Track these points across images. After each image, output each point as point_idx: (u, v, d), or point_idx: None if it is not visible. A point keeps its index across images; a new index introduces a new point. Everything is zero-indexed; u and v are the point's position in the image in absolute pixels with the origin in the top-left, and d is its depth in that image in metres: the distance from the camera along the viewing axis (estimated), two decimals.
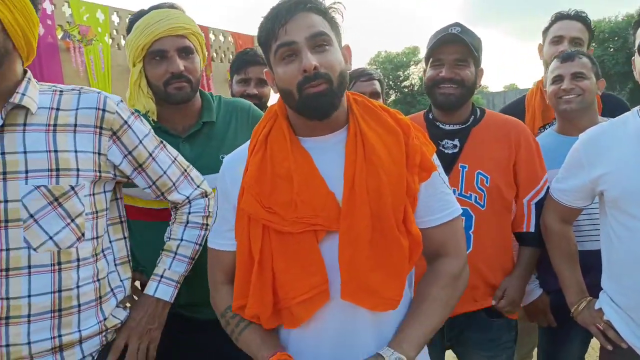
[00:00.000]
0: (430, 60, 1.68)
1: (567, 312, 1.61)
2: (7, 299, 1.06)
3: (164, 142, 1.38)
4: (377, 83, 2.24)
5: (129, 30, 1.56)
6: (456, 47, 1.61)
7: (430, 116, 1.77)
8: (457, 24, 1.67)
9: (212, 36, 12.01)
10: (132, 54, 1.51)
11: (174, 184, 1.37)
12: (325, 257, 1.04)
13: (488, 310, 1.66)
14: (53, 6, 8.55)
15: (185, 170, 1.40)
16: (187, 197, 1.40)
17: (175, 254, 1.38)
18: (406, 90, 40.90)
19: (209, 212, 1.41)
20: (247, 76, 2.20)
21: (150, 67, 1.51)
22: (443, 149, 1.66)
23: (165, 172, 1.35)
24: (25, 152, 1.09)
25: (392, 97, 37.28)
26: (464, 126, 1.70)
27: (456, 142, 1.67)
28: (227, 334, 1.20)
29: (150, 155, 1.31)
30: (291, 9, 1.03)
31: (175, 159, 1.39)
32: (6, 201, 1.06)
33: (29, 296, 1.08)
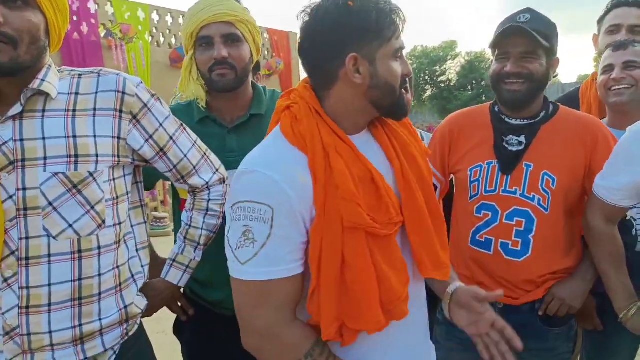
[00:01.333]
0: (496, 53, 1.57)
1: (613, 316, 1.51)
2: (28, 287, 1.05)
3: (184, 124, 1.35)
4: None
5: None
6: (522, 39, 1.47)
7: (497, 109, 1.65)
8: (527, 10, 1.53)
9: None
10: (185, 42, 1.53)
11: (194, 168, 1.33)
12: None
13: (546, 319, 1.55)
14: (97, 5, 8.83)
15: (205, 154, 1.37)
16: (207, 182, 1.37)
17: (198, 244, 1.37)
18: (442, 85, 40.17)
19: (226, 199, 1.36)
20: None
21: (198, 54, 1.51)
22: (506, 145, 1.55)
23: (185, 156, 1.31)
24: (44, 139, 1.06)
25: (429, 92, 36.72)
26: (532, 121, 1.57)
27: (522, 138, 1.55)
28: None
29: (171, 138, 1.27)
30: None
31: (195, 142, 1.35)
32: (25, 189, 1.04)
33: (49, 285, 1.06)
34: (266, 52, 12.52)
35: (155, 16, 10.49)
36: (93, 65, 1.37)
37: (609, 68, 1.72)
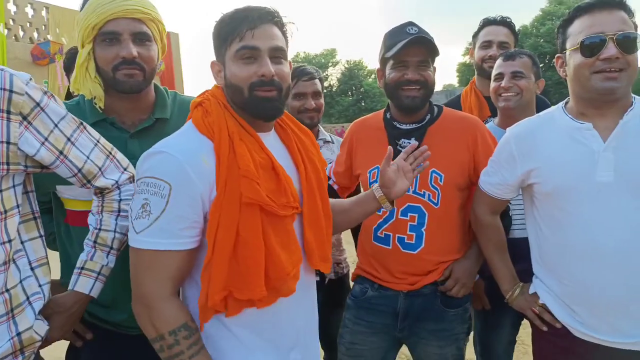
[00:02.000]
0: (391, 62, 1.65)
1: (498, 296, 1.70)
2: None
3: (84, 123, 1.24)
4: (318, 82, 2.23)
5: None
6: (420, 49, 1.60)
7: (388, 116, 1.77)
8: (412, 23, 1.65)
9: None
10: (82, 34, 1.36)
11: (100, 169, 1.23)
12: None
13: (444, 298, 1.67)
14: None
15: (110, 153, 1.27)
16: (116, 182, 1.26)
17: (111, 248, 1.26)
18: (325, 91, 41.48)
19: None
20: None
21: (100, 50, 1.36)
22: (400, 148, 1.63)
23: (88, 157, 1.21)
24: None
25: None
26: (420, 125, 1.69)
27: (413, 141, 1.67)
28: None
29: (69, 139, 1.16)
30: (261, 17, 1.14)
31: (98, 141, 1.25)
32: None
33: None
34: None
35: (11, 6, 9.32)
36: None
37: (499, 76, 1.94)
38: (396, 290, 1.68)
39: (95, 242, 1.24)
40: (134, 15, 1.34)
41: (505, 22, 2.34)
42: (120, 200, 1.26)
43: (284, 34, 1.21)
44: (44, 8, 9.86)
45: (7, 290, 1.03)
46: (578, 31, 1.35)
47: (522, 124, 1.56)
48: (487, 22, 2.36)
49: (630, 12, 1.33)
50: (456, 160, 1.64)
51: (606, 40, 1.29)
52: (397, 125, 1.71)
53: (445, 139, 1.66)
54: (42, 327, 1.11)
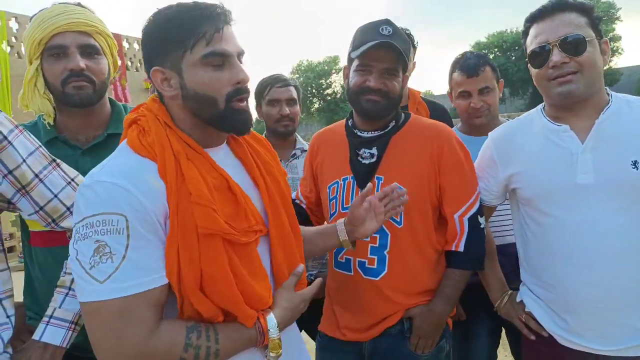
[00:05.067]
0: (356, 63, 1.49)
1: (474, 307, 1.68)
2: None
3: (58, 161, 1.22)
4: (293, 89, 2.21)
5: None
6: (388, 55, 1.43)
7: (350, 123, 1.62)
8: (388, 22, 1.47)
9: (125, 44, 11.41)
10: (29, 49, 1.35)
11: (68, 209, 1.19)
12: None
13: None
14: None
15: None
16: None
17: (69, 289, 1.19)
18: (329, 97, 41.59)
19: None
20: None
21: (48, 65, 1.35)
22: (361, 159, 1.51)
23: (56, 196, 1.17)
24: None
25: (316, 105, 37.77)
26: (382, 132, 1.53)
27: (374, 150, 1.51)
28: None
29: (37, 176, 1.14)
30: (226, 17, 1.01)
31: (72, 179, 1.22)
32: None
33: None
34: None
35: (13, 24, 9.44)
36: None
37: (466, 94, 1.91)
38: (359, 342, 1.51)
39: (69, 287, 1.21)
40: (80, 29, 1.34)
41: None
42: None
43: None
44: None
45: None
46: (529, 43, 1.36)
47: (502, 127, 1.54)
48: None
49: (581, 9, 1.30)
50: (419, 172, 1.48)
51: (550, 47, 1.28)
52: (359, 134, 1.56)
53: (409, 149, 1.50)
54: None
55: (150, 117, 1.03)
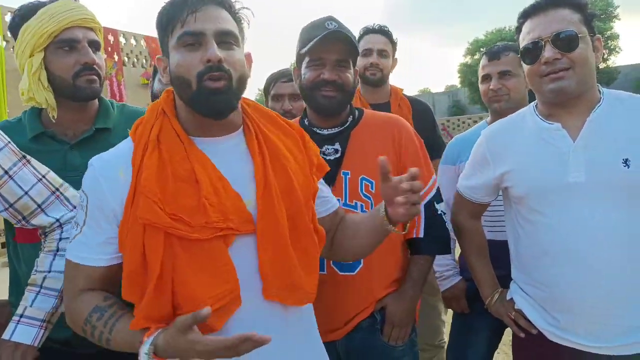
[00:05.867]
0: (307, 59, 1.51)
1: (478, 300, 1.67)
2: None
3: (29, 157, 1.24)
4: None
5: (12, 27, 1.41)
6: (339, 46, 1.46)
7: (306, 122, 1.61)
8: (331, 18, 1.50)
9: (122, 39, 11.35)
10: (33, 41, 1.36)
11: (39, 206, 1.21)
12: (236, 261, 1.00)
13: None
14: None
15: (58, 190, 1.25)
16: (57, 220, 1.24)
17: (41, 287, 1.21)
18: None
19: None
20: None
21: (56, 58, 1.38)
22: (325, 156, 1.50)
23: (27, 193, 1.19)
24: None
25: None
26: (342, 128, 1.56)
27: (337, 146, 1.53)
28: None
29: (6, 172, 1.16)
30: None
31: (43, 176, 1.24)
32: None
33: None
34: (144, 61, 11.88)
35: (9, 18, 9.38)
36: None
37: (487, 77, 1.93)
38: (333, 342, 1.51)
39: (41, 285, 1.21)
40: (88, 24, 1.39)
41: (383, 31, 2.44)
42: (60, 239, 1.22)
43: (236, 18, 1.07)
44: None
45: None
46: (522, 39, 1.36)
47: (495, 125, 1.54)
48: (366, 31, 2.46)
49: (575, 5, 1.29)
50: None
51: (543, 43, 1.28)
52: (317, 131, 1.57)
53: (370, 142, 1.53)
54: None
55: (154, 106, 1.09)
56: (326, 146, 1.53)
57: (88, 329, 1.01)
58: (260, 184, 1.05)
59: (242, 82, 1.06)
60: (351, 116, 1.58)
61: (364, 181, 1.50)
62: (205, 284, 0.97)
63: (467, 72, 36.11)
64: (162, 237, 0.96)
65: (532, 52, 1.32)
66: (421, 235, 1.54)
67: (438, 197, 1.59)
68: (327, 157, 1.51)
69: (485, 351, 1.88)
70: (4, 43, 9.13)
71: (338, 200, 1.38)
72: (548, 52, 1.28)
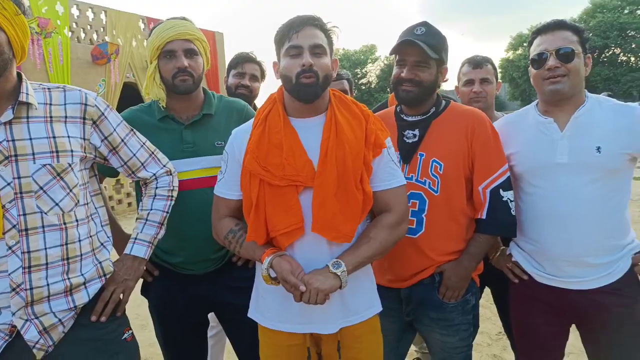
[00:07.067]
0: (397, 58, 1.80)
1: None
2: (29, 252, 1.33)
3: (134, 130, 1.64)
4: (345, 82, 2.66)
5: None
6: (415, 50, 1.70)
7: (398, 109, 1.90)
8: (424, 24, 1.74)
9: (74, 11, 10.30)
10: (150, 53, 1.83)
11: (142, 164, 1.63)
12: (303, 205, 1.44)
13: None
14: None
15: (153, 153, 1.66)
16: (154, 174, 1.65)
17: (146, 220, 1.64)
18: (364, 87, 41.44)
19: (174, 186, 1.68)
20: (242, 70, 2.69)
21: (163, 64, 1.81)
22: (405, 139, 1.79)
23: (134, 155, 1.61)
24: (30, 139, 1.33)
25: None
26: (424, 117, 1.81)
27: (416, 132, 1.79)
28: (219, 284, 1.83)
29: (122, 140, 1.56)
30: (303, 22, 1.44)
31: (144, 143, 1.65)
32: (19, 177, 1.31)
33: (45, 249, 1.35)
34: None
35: (75, 11, 10.13)
36: None
37: (470, 82, 2.43)
38: (398, 289, 1.81)
39: (146, 219, 1.66)
40: (184, 37, 1.81)
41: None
42: (157, 187, 1.67)
43: (326, 34, 1.47)
44: (103, 12, 10.65)
45: (91, 236, 1.48)
46: (532, 50, 1.77)
47: (506, 117, 1.96)
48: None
49: (575, 30, 1.68)
50: (455, 150, 1.74)
51: (548, 55, 1.66)
52: (404, 117, 1.85)
53: (447, 131, 1.77)
54: (111, 265, 1.55)
55: (271, 95, 1.58)
56: (408, 130, 1.81)
57: (226, 242, 1.57)
58: (323, 153, 1.44)
59: (327, 79, 1.46)
60: (434, 107, 1.82)
61: (434, 163, 1.74)
62: (281, 216, 1.43)
63: (509, 68, 35.37)
64: (257, 181, 1.45)
65: (539, 61, 1.70)
66: (484, 217, 1.74)
67: (506, 185, 1.73)
68: (407, 140, 1.80)
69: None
70: (70, 34, 9.92)
71: (411, 176, 1.72)
72: (551, 61, 1.66)
